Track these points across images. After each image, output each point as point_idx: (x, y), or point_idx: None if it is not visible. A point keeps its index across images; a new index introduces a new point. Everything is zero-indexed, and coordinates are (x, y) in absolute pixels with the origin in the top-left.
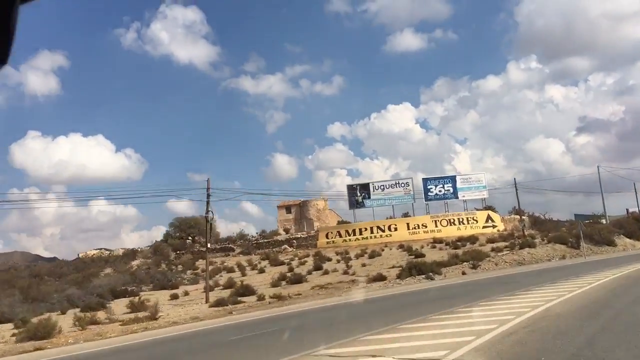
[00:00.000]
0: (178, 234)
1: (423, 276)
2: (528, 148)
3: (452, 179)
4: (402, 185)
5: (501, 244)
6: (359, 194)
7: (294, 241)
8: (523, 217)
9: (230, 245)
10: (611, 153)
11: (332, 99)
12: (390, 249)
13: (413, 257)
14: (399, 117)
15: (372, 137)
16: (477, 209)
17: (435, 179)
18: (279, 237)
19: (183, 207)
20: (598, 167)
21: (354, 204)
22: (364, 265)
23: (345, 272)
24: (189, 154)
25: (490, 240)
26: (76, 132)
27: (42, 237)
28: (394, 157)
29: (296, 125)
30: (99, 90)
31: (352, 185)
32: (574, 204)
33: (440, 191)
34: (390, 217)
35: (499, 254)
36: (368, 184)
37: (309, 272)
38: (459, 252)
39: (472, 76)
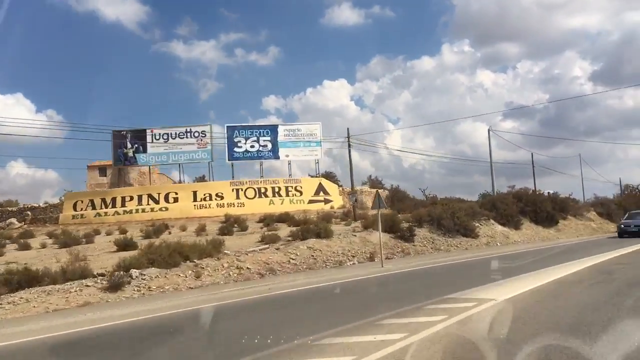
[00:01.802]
0: None
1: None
2: (457, 130)
3: (273, 130)
4: (197, 135)
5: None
6: (129, 146)
7: (29, 212)
8: (377, 189)
9: None
10: (534, 139)
11: (267, 70)
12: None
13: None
14: (335, 94)
15: (307, 112)
16: (312, 176)
17: (245, 128)
18: (12, 208)
19: None
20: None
21: (121, 158)
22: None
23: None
24: (116, 118)
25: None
26: None
27: None
28: (329, 133)
29: (230, 95)
30: (19, 47)
31: (119, 132)
32: (497, 186)
33: (253, 147)
34: (180, 183)
35: (254, 251)
36: (144, 130)
37: None
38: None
39: (407, 56)
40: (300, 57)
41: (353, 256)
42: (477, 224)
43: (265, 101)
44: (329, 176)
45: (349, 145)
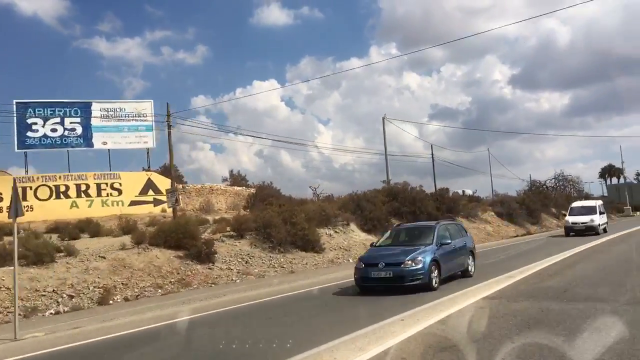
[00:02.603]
0: None
1: None
2: (386, 131)
3: (84, 108)
4: None
5: None
6: None
7: None
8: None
9: None
10: (457, 140)
11: (196, 70)
12: None
13: None
14: (265, 94)
15: (237, 113)
16: (148, 170)
17: (44, 105)
18: None
19: None
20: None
21: None
22: None
23: None
24: None
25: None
26: None
27: None
28: (259, 134)
29: (157, 95)
30: None
31: None
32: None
33: (55, 130)
34: None
35: None
36: None
37: None
38: None
39: (336, 57)
40: (229, 57)
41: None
42: (329, 232)
43: (195, 101)
44: (166, 171)
45: (169, 126)
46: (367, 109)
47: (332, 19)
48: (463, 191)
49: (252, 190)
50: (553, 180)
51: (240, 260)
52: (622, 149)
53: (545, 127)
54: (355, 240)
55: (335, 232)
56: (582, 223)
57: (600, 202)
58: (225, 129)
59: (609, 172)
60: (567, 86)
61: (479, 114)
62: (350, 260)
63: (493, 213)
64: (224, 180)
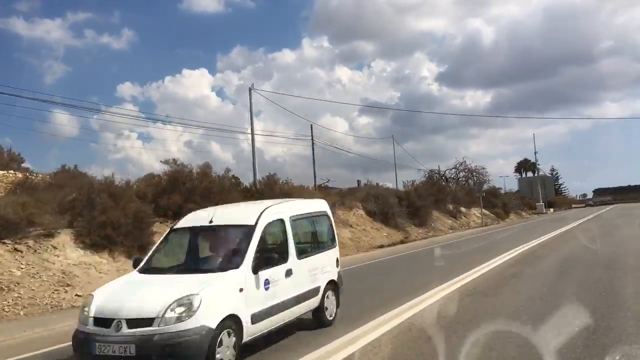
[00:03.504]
0: None
1: None
2: (317, 124)
3: None
4: None
5: None
6: None
7: None
8: None
9: None
10: (387, 134)
11: (122, 55)
12: None
13: None
14: (195, 83)
15: (166, 102)
16: None
17: None
18: None
19: None
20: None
21: None
22: None
23: None
24: None
25: None
26: None
27: None
28: (189, 124)
29: (80, 80)
30: None
31: None
32: (354, 179)
33: None
34: None
35: None
36: None
37: None
38: None
39: (268, 48)
40: (157, 43)
41: None
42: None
43: (121, 88)
44: None
45: None
46: (299, 102)
47: (263, 8)
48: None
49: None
50: (453, 170)
51: None
52: (540, 147)
53: (469, 124)
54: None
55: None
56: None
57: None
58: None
59: (524, 166)
60: (490, 85)
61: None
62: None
63: (362, 212)
64: None
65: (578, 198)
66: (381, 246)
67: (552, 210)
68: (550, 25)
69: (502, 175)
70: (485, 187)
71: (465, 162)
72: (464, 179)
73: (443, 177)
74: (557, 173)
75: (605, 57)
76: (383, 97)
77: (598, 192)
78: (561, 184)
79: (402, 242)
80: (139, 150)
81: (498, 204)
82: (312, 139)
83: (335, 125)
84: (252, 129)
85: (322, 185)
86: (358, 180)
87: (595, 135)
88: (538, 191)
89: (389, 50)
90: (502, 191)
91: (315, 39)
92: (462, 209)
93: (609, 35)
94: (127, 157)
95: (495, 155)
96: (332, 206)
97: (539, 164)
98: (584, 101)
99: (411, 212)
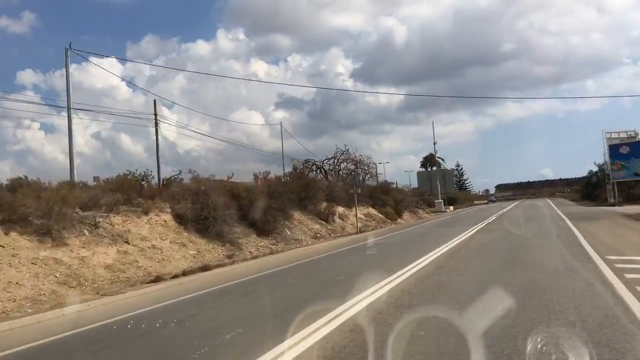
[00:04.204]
0: None
1: None
2: (233, 118)
3: None
4: None
5: None
6: None
7: None
8: None
9: None
10: (303, 129)
11: (22, 40)
12: None
13: None
14: (104, 72)
15: (71, 91)
16: None
17: None
18: None
19: None
20: None
21: None
22: None
23: None
24: None
25: None
26: None
27: None
28: (96, 114)
29: None
30: None
31: None
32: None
33: None
34: None
35: None
36: None
37: None
38: None
39: (182, 38)
40: (62, 28)
41: None
42: None
43: (20, 75)
44: None
45: None
46: (214, 94)
47: None
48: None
49: None
50: (332, 160)
51: None
52: (449, 144)
53: (382, 120)
54: None
55: None
56: None
57: None
58: (58, 106)
59: (430, 161)
60: (402, 83)
61: (323, 105)
62: None
63: (170, 217)
64: None
65: (480, 194)
66: (155, 280)
67: (452, 208)
68: (459, 27)
69: (408, 170)
70: (373, 182)
71: (347, 150)
72: (345, 171)
73: (320, 170)
74: (462, 169)
75: (507, 60)
76: (299, 92)
77: (500, 187)
78: (466, 180)
79: (205, 268)
80: (41, 141)
81: (389, 201)
82: (155, 120)
83: (250, 118)
84: (68, 101)
85: (173, 178)
86: (255, 174)
87: (498, 133)
88: (437, 186)
89: (306, 45)
90: (396, 186)
91: (231, 30)
92: (340, 209)
93: (511, 39)
94: (28, 149)
95: (407, 152)
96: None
97: (438, 156)
98: (488, 101)
99: (257, 216)
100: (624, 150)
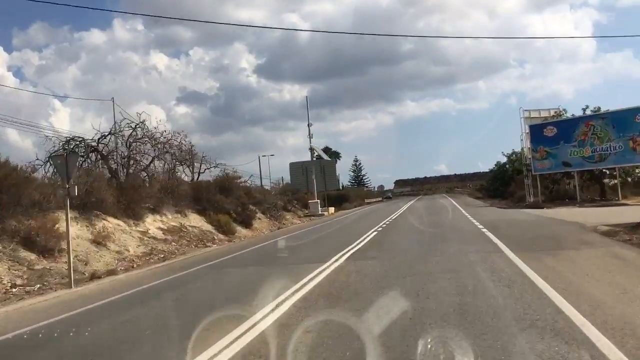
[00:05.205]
0: None
1: None
2: (132, 112)
3: None
4: None
5: None
6: None
7: None
8: None
9: None
10: (206, 125)
11: None
12: None
13: None
14: None
15: None
16: None
17: None
18: None
19: None
20: None
21: None
22: None
23: None
24: None
25: None
26: None
27: None
28: None
29: None
30: None
31: None
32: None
33: None
34: None
35: None
36: None
37: None
38: None
39: (74, 26)
40: None
41: None
42: None
43: None
44: None
45: None
46: (111, 87)
47: None
48: None
49: None
50: (113, 137)
51: None
52: (351, 140)
53: (286, 117)
54: None
55: None
56: None
57: None
58: None
59: (327, 153)
60: (306, 79)
61: (227, 100)
62: None
63: None
64: None
65: (375, 189)
66: None
67: (332, 210)
68: (361, 26)
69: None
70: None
71: (143, 123)
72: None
73: (96, 154)
74: (360, 164)
75: (407, 59)
76: (202, 87)
77: (399, 183)
78: (364, 175)
79: None
80: None
81: (228, 205)
82: None
83: (151, 113)
84: None
85: None
86: None
87: (397, 130)
88: (313, 182)
89: (208, 39)
90: (257, 184)
91: (128, 20)
92: (106, 223)
93: (410, 39)
94: None
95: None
96: None
97: (312, 145)
98: (388, 99)
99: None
100: (550, 132)
